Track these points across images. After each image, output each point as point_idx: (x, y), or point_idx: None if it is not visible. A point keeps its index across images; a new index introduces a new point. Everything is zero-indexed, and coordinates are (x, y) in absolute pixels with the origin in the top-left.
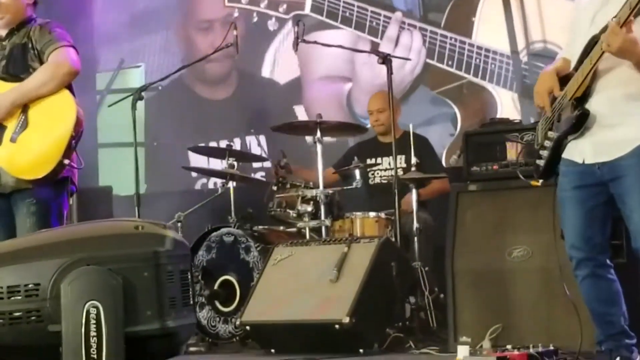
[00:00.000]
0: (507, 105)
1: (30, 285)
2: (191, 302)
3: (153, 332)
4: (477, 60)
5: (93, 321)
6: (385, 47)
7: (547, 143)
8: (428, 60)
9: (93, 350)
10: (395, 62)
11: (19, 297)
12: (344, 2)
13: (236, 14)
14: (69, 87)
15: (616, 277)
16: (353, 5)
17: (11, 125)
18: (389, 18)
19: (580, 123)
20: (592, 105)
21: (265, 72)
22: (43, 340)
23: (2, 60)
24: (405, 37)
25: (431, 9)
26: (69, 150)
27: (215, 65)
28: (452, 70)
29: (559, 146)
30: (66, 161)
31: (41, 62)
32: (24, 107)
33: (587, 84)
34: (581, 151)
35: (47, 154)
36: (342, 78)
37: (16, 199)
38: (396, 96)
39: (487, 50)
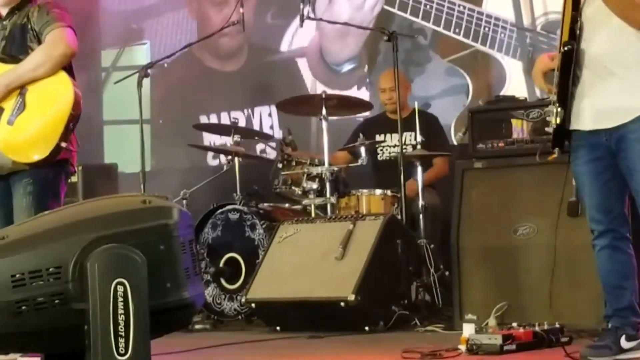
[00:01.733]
0: (515, 76)
1: (51, 269)
2: (199, 271)
3: (173, 304)
4: (486, 29)
5: (120, 299)
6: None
7: (553, 109)
8: (436, 28)
9: (121, 328)
10: (354, 2)
11: (42, 282)
12: None
13: None
14: (68, 69)
15: (633, 252)
16: None
17: (8, 108)
18: None
19: (568, 61)
20: (587, 51)
21: (284, 47)
22: (67, 321)
23: (3, 41)
24: None
25: None
26: (66, 133)
27: (228, 39)
28: (460, 38)
29: (564, 100)
30: (64, 144)
31: (39, 43)
32: (22, 90)
33: (568, 24)
34: (583, 119)
35: (45, 137)
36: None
37: (14, 180)
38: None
39: (497, 19)
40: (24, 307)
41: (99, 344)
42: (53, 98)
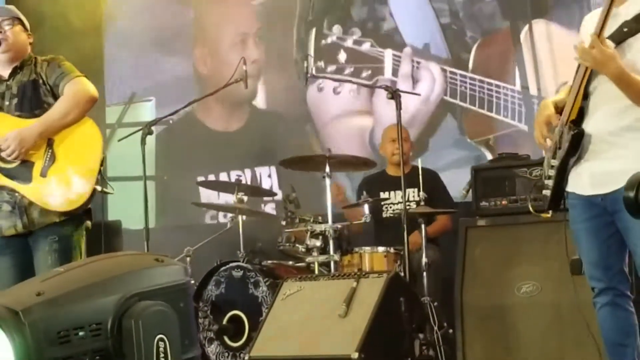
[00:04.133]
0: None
1: (93, 326)
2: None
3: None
4: (505, 101)
5: (162, 355)
6: (404, 85)
7: (551, 172)
8: (461, 103)
9: None
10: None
11: (85, 339)
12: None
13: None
14: None
15: (634, 310)
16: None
17: (39, 161)
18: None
19: (576, 144)
20: (587, 127)
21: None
22: None
23: (13, 99)
24: (423, 72)
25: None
26: (99, 176)
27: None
28: (484, 111)
29: (562, 172)
30: (98, 187)
31: (55, 97)
32: (49, 142)
33: (579, 104)
34: (582, 183)
35: (81, 182)
36: (360, 113)
37: (37, 236)
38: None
39: (513, 90)
40: None
41: None
42: (84, 145)
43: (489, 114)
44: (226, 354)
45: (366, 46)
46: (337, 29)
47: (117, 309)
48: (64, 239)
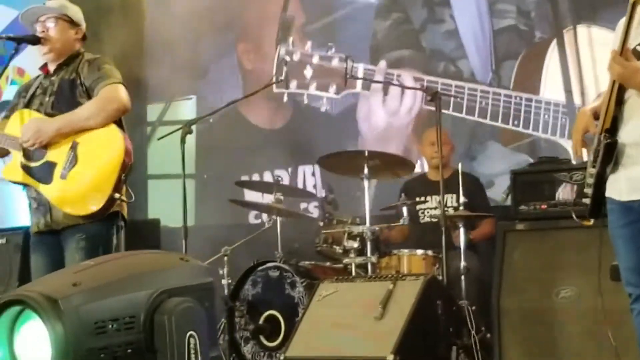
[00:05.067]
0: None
1: (127, 319)
2: None
3: (216, 358)
4: (546, 116)
5: (193, 351)
6: (373, 98)
7: (590, 180)
8: (494, 124)
9: None
10: (389, 108)
11: (119, 331)
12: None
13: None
14: (119, 122)
15: None
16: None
17: (60, 162)
18: (450, 86)
19: (610, 153)
20: (622, 135)
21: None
22: None
23: (51, 96)
24: (394, 87)
25: (504, 65)
26: (118, 184)
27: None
28: (520, 129)
29: (600, 182)
30: (117, 195)
31: (89, 99)
32: (73, 143)
33: (611, 114)
34: (619, 188)
35: (98, 189)
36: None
37: (66, 235)
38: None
39: (556, 104)
40: (102, 355)
41: None
42: (104, 150)
43: (525, 131)
44: (262, 354)
45: (335, 62)
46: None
47: (150, 304)
48: (92, 238)
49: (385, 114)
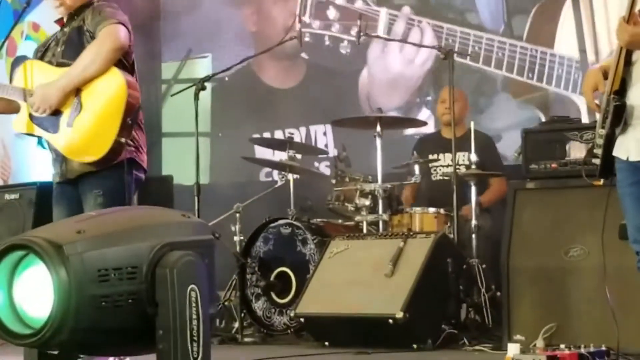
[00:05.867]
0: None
1: (129, 269)
2: None
3: (213, 315)
4: (560, 70)
5: (194, 304)
6: (394, 43)
7: (599, 141)
8: (509, 75)
9: (195, 333)
10: (404, 57)
11: (121, 280)
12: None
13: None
14: (130, 67)
15: None
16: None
17: (67, 111)
18: (469, 35)
19: (619, 115)
20: (630, 97)
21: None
22: (135, 322)
23: (62, 46)
24: (415, 33)
25: (515, 14)
26: (124, 127)
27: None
28: (534, 82)
29: (609, 143)
30: (123, 139)
31: None
32: (77, 91)
33: (620, 75)
34: (626, 148)
35: (102, 134)
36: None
37: (84, 189)
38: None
39: (570, 59)
40: (103, 303)
41: (178, 348)
42: (105, 94)
43: (538, 84)
44: (273, 310)
45: (359, 4)
46: None
47: (152, 256)
48: (109, 194)
49: (401, 61)
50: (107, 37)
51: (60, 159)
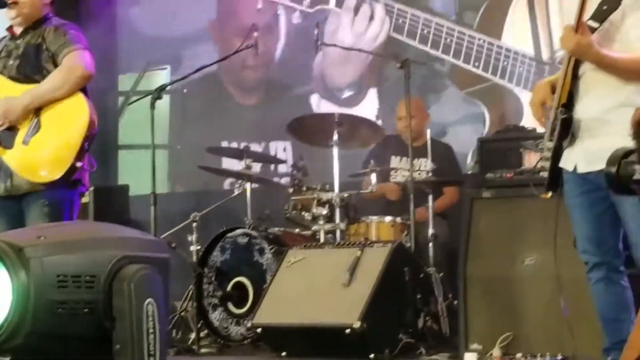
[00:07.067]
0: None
1: (87, 277)
2: None
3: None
4: (505, 62)
5: (151, 318)
6: (344, 16)
7: (547, 154)
8: (455, 62)
9: (152, 347)
10: (355, 29)
11: (79, 288)
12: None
13: (260, 6)
14: (84, 90)
15: (629, 285)
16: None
17: (24, 128)
18: (419, 18)
19: (567, 128)
20: (578, 110)
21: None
22: (91, 331)
23: (16, 60)
24: (366, 7)
25: (466, 9)
26: (81, 153)
27: (251, 72)
28: (479, 72)
29: (557, 155)
30: (79, 164)
31: (55, 64)
32: (37, 110)
33: (567, 88)
34: (574, 160)
35: (60, 157)
36: None
37: (28, 201)
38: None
39: (516, 52)
40: (60, 310)
41: None
42: (69, 119)
43: (484, 74)
44: (229, 321)
45: None
46: None
47: (111, 267)
48: (55, 204)
49: (352, 35)
50: (78, 64)
51: (8, 175)
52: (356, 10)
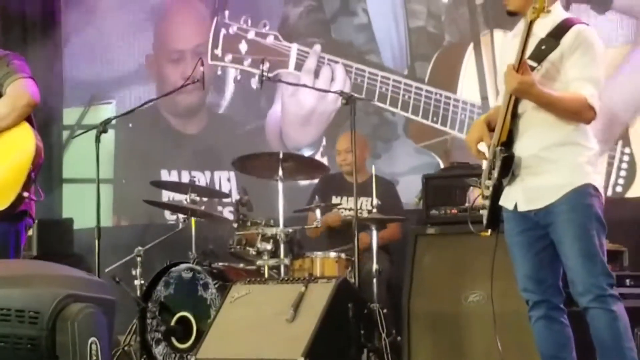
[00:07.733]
0: None
1: (31, 313)
2: None
3: None
4: (463, 115)
5: (94, 357)
6: (305, 79)
7: (487, 192)
8: (415, 118)
9: None
10: (317, 92)
11: (23, 323)
12: (329, 60)
13: (219, 73)
14: (29, 119)
15: (569, 323)
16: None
17: None
18: (377, 76)
19: (507, 166)
20: (517, 148)
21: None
22: None
23: None
24: (326, 70)
25: (417, 60)
26: (28, 183)
27: (186, 96)
28: (438, 126)
29: (496, 194)
30: (25, 194)
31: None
32: None
33: (507, 127)
34: (513, 198)
35: (6, 187)
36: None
37: None
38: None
39: (472, 105)
40: (2, 343)
41: None
42: (15, 149)
43: (442, 128)
44: (173, 355)
45: (270, 39)
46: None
47: (55, 304)
48: (1, 237)
49: (314, 97)
50: (23, 92)
51: None
52: (316, 73)
